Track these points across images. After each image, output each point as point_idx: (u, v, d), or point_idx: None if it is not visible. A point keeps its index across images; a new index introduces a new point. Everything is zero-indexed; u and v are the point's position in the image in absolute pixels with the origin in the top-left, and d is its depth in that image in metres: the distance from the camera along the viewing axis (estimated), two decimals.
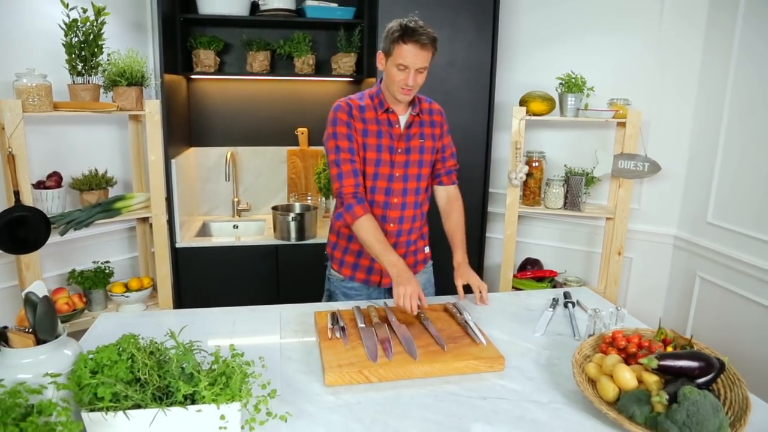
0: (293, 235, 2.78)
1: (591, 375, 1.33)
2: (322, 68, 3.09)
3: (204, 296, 2.79)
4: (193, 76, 2.97)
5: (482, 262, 3.14)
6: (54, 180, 2.44)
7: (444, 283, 2.13)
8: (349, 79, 3.03)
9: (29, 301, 1.10)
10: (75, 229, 2.37)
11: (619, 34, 2.89)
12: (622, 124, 2.74)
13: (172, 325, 1.76)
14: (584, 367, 1.36)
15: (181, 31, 2.81)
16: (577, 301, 1.93)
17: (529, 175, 2.83)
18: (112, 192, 2.68)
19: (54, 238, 2.37)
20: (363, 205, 1.78)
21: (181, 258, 2.72)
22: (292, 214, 2.76)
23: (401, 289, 1.63)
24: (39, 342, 1.10)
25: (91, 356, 1.10)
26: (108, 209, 2.50)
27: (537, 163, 2.85)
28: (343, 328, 1.58)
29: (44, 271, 2.59)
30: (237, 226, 3.17)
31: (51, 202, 2.40)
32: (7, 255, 2.29)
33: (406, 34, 1.66)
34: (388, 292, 1.99)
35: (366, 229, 1.76)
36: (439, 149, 1.96)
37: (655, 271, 3.02)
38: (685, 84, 2.77)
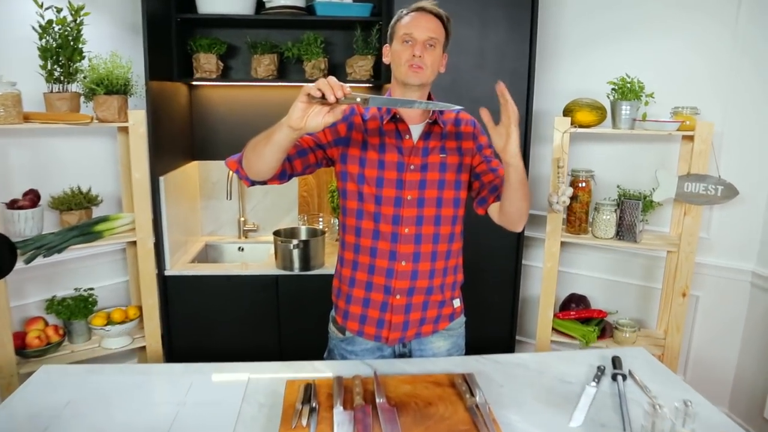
0: (296, 264, 2.43)
1: None
2: (336, 72, 2.75)
3: (196, 331, 2.50)
4: (194, 83, 2.69)
5: (518, 294, 2.71)
6: (29, 199, 2.19)
7: (475, 349, 1.71)
8: (366, 84, 2.67)
9: None
10: (44, 256, 2.11)
11: (685, 32, 2.42)
12: (689, 138, 2.27)
13: (117, 385, 1.46)
14: None
15: (179, 33, 2.53)
16: (630, 372, 1.50)
17: (573, 197, 2.38)
18: (98, 212, 2.42)
19: (37, 260, 2.11)
20: None
21: (170, 287, 2.43)
22: (295, 241, 2.41)
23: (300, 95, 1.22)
24: None
25: None
26: (87, 232, 2.24)
27: (584, 184, 2.41)
28: (314, 409, 1.22)
29: (26, 296, 2.36)
30: (242, 249, 2.86)
31: (24, 224, 2.14)
32: None
33: (409, 9, 1.49)
34: (399, 355, 1.62)
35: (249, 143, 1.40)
36: (473, 166, 1.58)
37: (728, 313, 2.52)
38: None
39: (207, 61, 2.57)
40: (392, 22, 1.52)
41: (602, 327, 2.54)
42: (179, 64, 2.56)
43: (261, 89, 2.78)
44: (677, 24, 2.43)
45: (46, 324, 2.31)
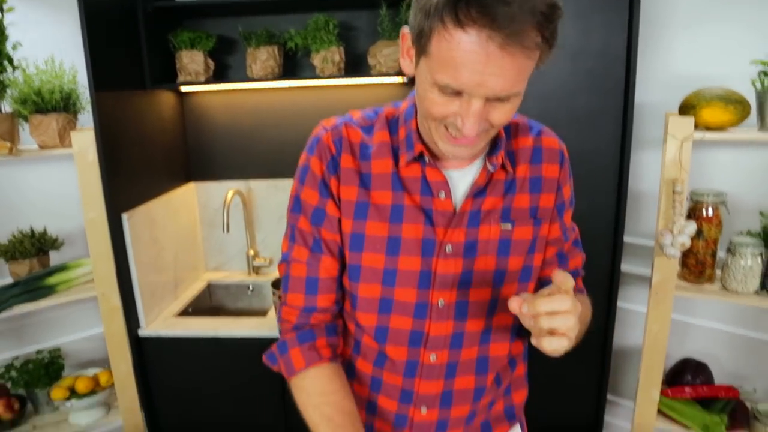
0: None
1: None
2: (357, 65, 2.10)
3: (183, 402, 1.98)
4: (184, 88, 2.14)
5: (609, 346, 1.97)
6: None
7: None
8: (395, 79, 2.00)
9: None
10: None
11: None
12: None
13: None
14: None
15: (156, 26, 1.98)
16: None
17: (696, 233, 1.62)
18: (60, 256, 1.95)
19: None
20: (310, 347, 0.86)
21: (146, 350, 1.92)
22: None
23: None
24: None
25: None
26: (36, 287, 1.76)
27: (710, 212, 1.63)
28: None
29: None
30: (252, 288, 2.32)
31: None
32: None
33: (463, 9, 0.64)
34: None
35: (309, 394, 0.86)
36: (549, 237, 0.91)
37: None
38: None
39: (191, 60, 2.00)
40: (433, 4, 0.67)
41: (733, 412, 1.77)
42: (158, 67, 2.01)
43: (262, 92, 2.19)
44: None
45: (7, 395, 1.88)
